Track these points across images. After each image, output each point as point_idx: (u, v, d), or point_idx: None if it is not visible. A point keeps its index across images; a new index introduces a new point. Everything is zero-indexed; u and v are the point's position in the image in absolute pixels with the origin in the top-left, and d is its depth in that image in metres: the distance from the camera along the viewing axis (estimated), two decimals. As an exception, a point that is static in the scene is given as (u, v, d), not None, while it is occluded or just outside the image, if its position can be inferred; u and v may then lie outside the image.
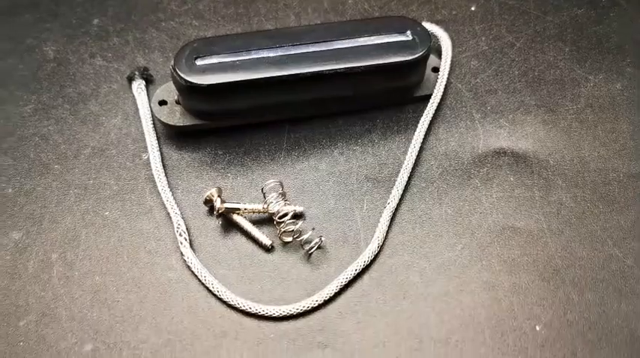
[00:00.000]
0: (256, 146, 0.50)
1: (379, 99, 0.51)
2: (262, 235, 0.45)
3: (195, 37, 0.54)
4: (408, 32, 0.48)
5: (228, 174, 0.48)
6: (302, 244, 0.45)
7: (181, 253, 0.45)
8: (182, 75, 0.45)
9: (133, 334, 0.42)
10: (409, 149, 0.48)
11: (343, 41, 0.48)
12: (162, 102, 0.49)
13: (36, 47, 0.54)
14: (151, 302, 0.43)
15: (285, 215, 0.45)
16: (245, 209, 0.46)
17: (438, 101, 0.50)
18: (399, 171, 0.48)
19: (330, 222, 0.46)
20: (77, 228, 0.46)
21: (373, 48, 0.47)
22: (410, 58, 0.47)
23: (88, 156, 0.49)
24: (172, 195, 0.47)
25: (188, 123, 0.49)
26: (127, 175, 0.48)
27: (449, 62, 0.52)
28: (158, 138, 0.49)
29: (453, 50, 0.53)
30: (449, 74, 0.52)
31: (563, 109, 0.50)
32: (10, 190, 0.47)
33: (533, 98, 0.51)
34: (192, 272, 0.44)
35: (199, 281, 0.44)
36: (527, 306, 0.42)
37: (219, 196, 0.46)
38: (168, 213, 0.46)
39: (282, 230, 0.45)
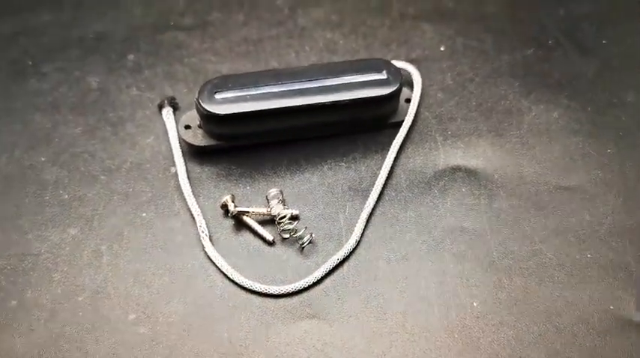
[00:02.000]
0: (262, 162, 0.54)
1: (361, 125, 0.54)
2: (266, 232, 0.50)
3: (213, 72, 0.58)
4: (384, 71, 0.52)
5: (240, 185, 0.53)
6: (297, 240, 0.49)
7: (203, 246, 0.49)
8: (204, 106, 0.50)
9: (166, 306, 0.47)
10: (383, 165, 0.53)
11: (332, 79, 0.52)
12: (187, 127, 0.53)
13: (82, 78, 0.58)
14: (179, 283, 0.48)
15: (284, 216, 0.49)
16: (253, 212, 0.50)
17: (409, 126, 0.54)
18: (374, 183, 0.52)
19: (319, 223, 0.51)
20: (121, 226, 0.50)
21: (356, 84, 0.52)
22: (385, 92, 0.52)
23: (127, 169, 0.53)
24: (195, 200, 0.51)
25: (208, 144, 0.53)
26: (159, 185, 0.52)
27: (419, 94, 0.56)
28: (184, 155, 0.53)
29: (423, 84, 0.57)
30: (418, 104, 0.55)
31: (508, 134, 0.55)
32: (66, 196, 0.52)
33: (486, 124, 0.56)
34: (211, 260, 0.49)
35: (216, 267, 0.48)
36: (467, 288, 0.47)
37: (232, 202, 0.50)
38: (192, 215, 0.50)
39: (282, 228, 0.49)
